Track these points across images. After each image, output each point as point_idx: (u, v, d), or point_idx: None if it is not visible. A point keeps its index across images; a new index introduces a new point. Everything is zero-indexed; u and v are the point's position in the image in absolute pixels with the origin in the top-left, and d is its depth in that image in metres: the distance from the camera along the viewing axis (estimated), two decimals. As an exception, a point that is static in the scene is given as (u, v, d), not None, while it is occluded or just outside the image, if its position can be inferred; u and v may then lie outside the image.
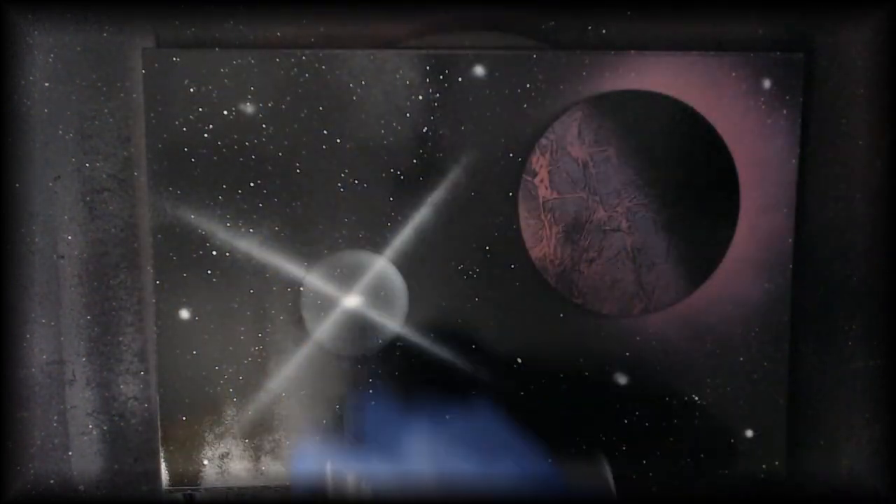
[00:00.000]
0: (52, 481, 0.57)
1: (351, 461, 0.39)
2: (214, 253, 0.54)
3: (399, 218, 0.54)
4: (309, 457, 0.40)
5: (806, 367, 0.58)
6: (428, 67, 0.53)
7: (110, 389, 0.57)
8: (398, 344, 0.56)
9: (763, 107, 0.54)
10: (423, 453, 0.36)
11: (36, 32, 0.53)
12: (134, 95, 0.54)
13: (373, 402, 0.40)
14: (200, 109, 0.53)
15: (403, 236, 0.55)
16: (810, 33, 0.55)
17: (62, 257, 0.55)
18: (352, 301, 0.55)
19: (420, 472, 0.37)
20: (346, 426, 0.40)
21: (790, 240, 0.56)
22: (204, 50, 0.53)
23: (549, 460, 0.37)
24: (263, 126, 0.53)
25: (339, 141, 0.53)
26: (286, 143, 0.53)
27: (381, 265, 0.55)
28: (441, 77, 0.53)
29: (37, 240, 0.55)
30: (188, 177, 0.53)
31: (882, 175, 0.56)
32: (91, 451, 0.57)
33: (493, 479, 0.36)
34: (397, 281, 0.55)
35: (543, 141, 0.54)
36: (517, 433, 0.38)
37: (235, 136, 0.53)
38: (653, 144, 0.54)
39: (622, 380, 0.56)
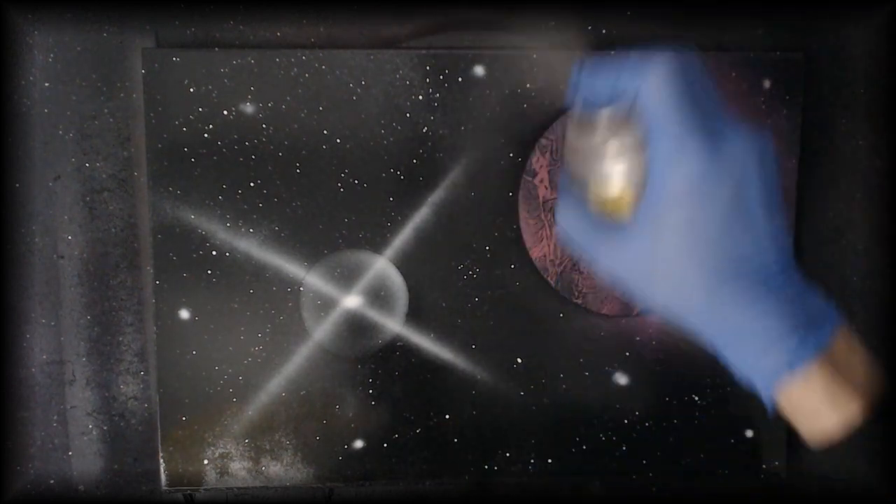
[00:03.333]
0: (52, 481, 0.57)
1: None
2: (214, 253, 0.54)
3: (399, 218, 0.54)
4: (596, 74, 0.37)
5: (806, 367, 0.58)
6: (428, 67, 0.53)
7: (110, 389, 0.57)
8: (398, 344, 0.56)
9: (763, 107, 0.54)
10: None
11: (36, 32, 0.53)
12: (134, 95, 0.54)
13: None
14: (200, 109, 0.53)
15: (403, 236, 0.55)
16: (810, 33, 0.55)
17: (62, 257, 0.55)
18: (352, 301, 0.55)
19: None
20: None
21: (790, 239, 0.56)
22: (204, 50, 0.53)
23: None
24: (263, 126, 0.53)
25: (339, 141, 0.53)
26: (286, 143, 0.53)
27: (381, 265, 0.55)
28: (441, 77, 0.53)
29: (37, 240, 0.55)
30: (188, 177, 0.53)
31: (882, 175, 0.56)
32: (91, 451, 0.57)
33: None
34: (397, 281, 0.55)
35: (543, 141, 0.54)
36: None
37: (235, 136, 0.53)
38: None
39: (622, 380, 0.56)
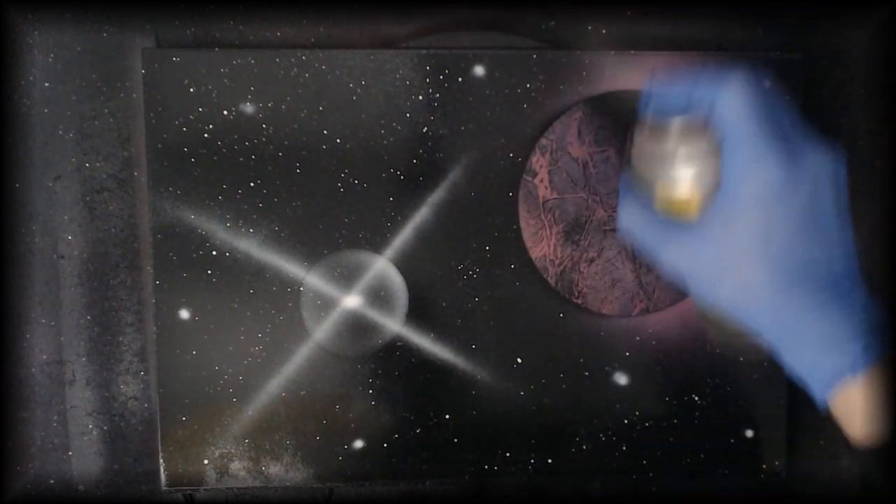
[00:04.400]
0: (52, 481, 0.57)
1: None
2: (214, 253, 0.54)
3: (399, 218, 0.54)
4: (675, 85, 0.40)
5: (806, 367, 0.58)
6: (428, 67, 0.53)
7: (110, 389, 0.57)
8: (398, 344, 0.56)
9: (763, 107, 0.54)
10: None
11: (36, 32, 0.53)
12: (134, 95, 0.54)
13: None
14: (200, 109, 0.53)
15: (403, 236, 0.55)
16: (810, 33, 0.55)
17: (62, 257, 0.55)
18: (352, 301, 0.55)
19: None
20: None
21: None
22: (204, 50, 0.53)
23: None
24: (263, 126, 0.53)
25: (339, 141, 0.53)
26: (286, 143, 0.53)
27: (381, 265, 0.55)
28: (441, 77, 0.53)
29: (37, 240, 0.55)
30: (188, 177, 0.53)
31: (882, 175, 0.56)
32: (91, 451, 0.57)
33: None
34: (397, 281, 0.55)
35: (543, 141, 0.54)
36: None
37: (235, 136, 0.53)
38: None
39: (622, 380, 0.56)
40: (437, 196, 0.54)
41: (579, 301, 0.55)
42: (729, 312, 0.38)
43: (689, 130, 0.38)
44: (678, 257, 0.39)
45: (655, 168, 0.40)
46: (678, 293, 0.56)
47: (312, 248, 0.54)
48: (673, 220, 0.39)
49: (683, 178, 0.38)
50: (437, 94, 0.53)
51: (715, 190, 0.38)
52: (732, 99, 0.36)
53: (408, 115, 0.53)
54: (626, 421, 0.57)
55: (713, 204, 0.38)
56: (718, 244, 0.37)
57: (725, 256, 0.37)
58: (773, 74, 0.54)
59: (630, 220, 0.42)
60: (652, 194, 0.40)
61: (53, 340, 0.56)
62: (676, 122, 0.38)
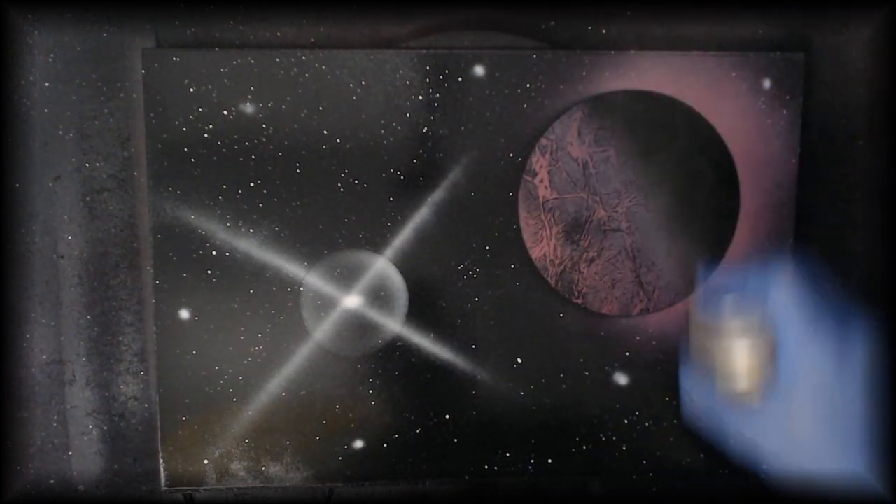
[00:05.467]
0: (52, 481, 0.57)
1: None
2: (214, 253, 0.54)
3: (399, 218, 0.54)
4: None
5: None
6: (428, 67, 0.53)
7: (110, 389, 0.57)
8: (398, 344, 0.56)
9: (763, 107, 0.54)
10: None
11: (36, 32, 0.53)
12: (134, 95, 0.54)
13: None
14: (200, 109, 0.53)
15: (403, 236, 0.55)
16: (810, 33, 0.55)
17: (62, 257, 0.55)
18: (352, 301, 0.55)
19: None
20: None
21: (790, 240, 0.56)
22: (204, 50, 0.53)
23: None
24: (263, 126, 0.53)
25: (339, 141, 0.53)
26: (286, 143, 0.53)
27: (381, 265, 0.55)
28: (441, 77, 0.53)
29: (37, 240, 0.55)
30: (188, 177, 0.53)
31: (882, 175, 0.56)
32: (91, 451, 0.57)
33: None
34: (397, 281, 0.55)
35: (543, 141, 0.54)
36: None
37: (235, 136, 0.53)
38: (653, 144, 0.54)
39: (622, 380, 0.56)
40: (437, 196, 0.54)
41: (579, 301, 0.55)
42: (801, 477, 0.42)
43: (745, 328, 0.41)
44: (744, 435, 0.43)
45: (714, 361, 0.42)
46: (678, 293, 0.56)
47: (312, 248, 0.54)
48: (735, 394, 0.42)
49: (744, 371, 0.41)
50: (437, 94, 0.53)
51: (773, 364, 0.41)
52: (783, 293, 0.40)
53: (408, 115, 0.53)
54: (626, 421, 0.56)
55: (773, 388, 0.41)
56: (782, 421, 0.40)
57: (789, 432, 0.40)
58: (773, 74, 0.54)
59: (696, 405, 0.45)
60: (714, 381, 0.43)
61: (53, 340, 0.56)
62: (733, 320, 0.41)
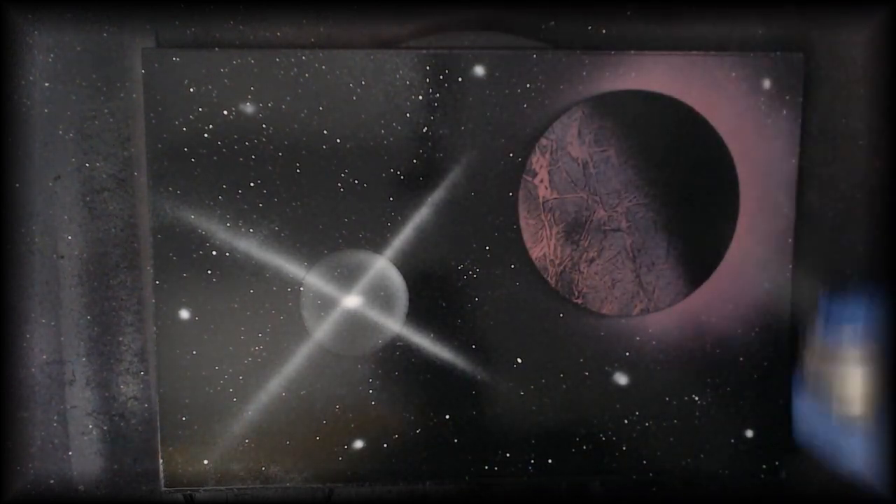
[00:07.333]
0: (52, 481, 0.57)
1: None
2: (214, 253, 0.54)
3: (399, 218, 0.54)
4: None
5: (806, 368, 0.58)
6: (428, 67, 0.53)
7: (110, 389, 0.57)
8: (398, 344, 0.56)
9: (763, 107, 0.54)
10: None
11: (36, 32, 0.53)
12: (134, 95, 0.54)
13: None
14: (200, 109, 0.53)
15: (403, 236, 0.55)
16: (810, 33, 0.55)
17: (62, 257, 0.55)
18: (352, 301, 0.55)
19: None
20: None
21: (790, 240, 0.56)
22: (204, 50, 0.53)
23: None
24: (263, 126, 0.53)
25: (339, 141, 0.53)
26: (286, 143, 0.53)
27: (381, 265, 0.55)
28: (441, 77, 0.53)
29: (37, 240, 0.55)
30: (188, 177, 0.53)
31: (882, 175, 0.56)
32: (91, 451, 0.57)
33: None
34: (397, 281, 0.55)
35: (543, 141, 0.54)
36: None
37: (235, 136, 0.53)
38: (653, 144, 0.54)
39: (622, 380, 0.56)
40: (437, 196, 0.54)
41: (579, 301, 0.55)
42: None
43: (862, 356, 0.44)
44: (856, 456, 0.45)
45: (830, 386, 0.46)
46: (678, 293, 0.56)
47: (312, 248, 0.54)
48: (848, 417, 0.45)
49: (858, 395, 0.44)
50: (437, 94, 0.53)
51: (885, 390, 0.43)
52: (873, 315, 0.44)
53: (408, 115, 0.53)
54: (626, 421, 0.56)
55: (885, 403, 0.43)
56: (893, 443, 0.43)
57: None
58: (772, 74, 0.54)
59: (812, 429, 0.49)
60: (828, 405, 0.46)
61: (53, 340, 0.56)
62: (850, 349, 0.44)
